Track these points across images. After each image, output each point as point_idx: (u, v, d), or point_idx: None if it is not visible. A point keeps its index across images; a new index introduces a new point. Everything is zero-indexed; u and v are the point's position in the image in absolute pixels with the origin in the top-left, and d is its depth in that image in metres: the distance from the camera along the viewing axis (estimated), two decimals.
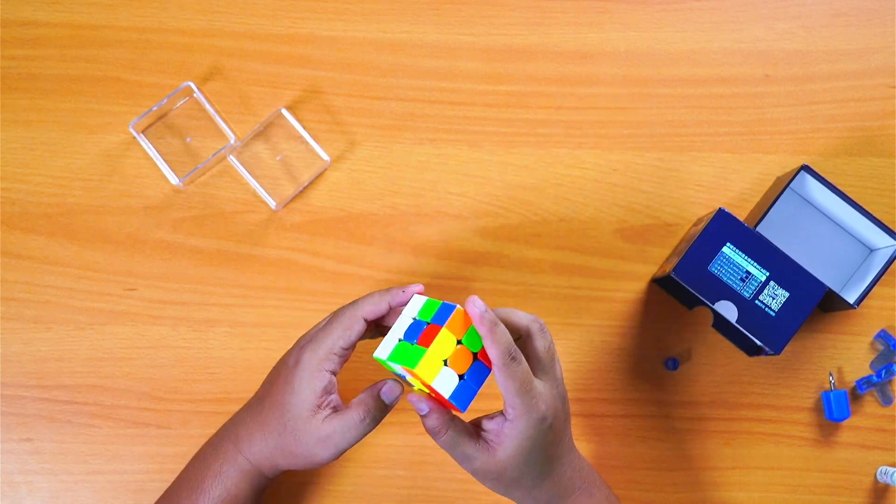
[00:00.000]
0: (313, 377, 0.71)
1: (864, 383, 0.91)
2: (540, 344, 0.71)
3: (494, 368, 0.67)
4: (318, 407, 0.72)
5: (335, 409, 0.72)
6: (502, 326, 0.67)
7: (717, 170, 0.95)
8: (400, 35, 0.96)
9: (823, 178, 0.88)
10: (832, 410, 0.90)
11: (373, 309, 0.73)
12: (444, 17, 0.97)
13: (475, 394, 0.69)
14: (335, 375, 0.73)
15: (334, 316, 0.74)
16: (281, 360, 0.77)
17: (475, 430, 0.72)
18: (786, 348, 0.90)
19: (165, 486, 0.81)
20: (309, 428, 0.71)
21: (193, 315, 0.91)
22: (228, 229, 0.92)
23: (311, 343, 0.73)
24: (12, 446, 0.89)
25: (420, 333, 0.69)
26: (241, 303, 0.91)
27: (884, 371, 0.91)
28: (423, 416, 0.71)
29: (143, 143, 0.93)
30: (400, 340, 0.70)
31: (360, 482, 0.90)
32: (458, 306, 0.69)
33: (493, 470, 0.71)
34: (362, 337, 0.74)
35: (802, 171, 0.88)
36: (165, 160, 0.93)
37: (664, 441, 0.91)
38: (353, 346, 0.73)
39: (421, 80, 0.96)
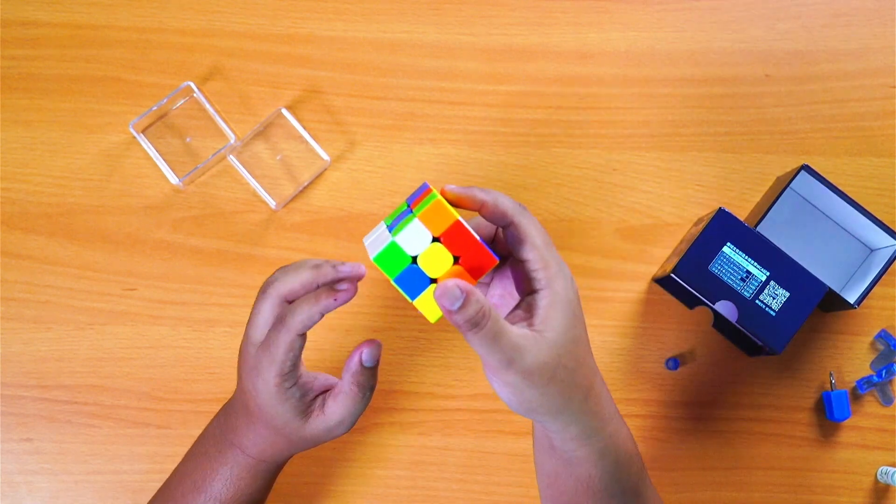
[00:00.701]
0: (283, 403, 0.68)
1: (865, 383, 0.91)
2: (531, 228, 0.63)
3: (514, 228, 0.62)
4: (306, 412, 0.69)
5: (325, 398, 0.69)
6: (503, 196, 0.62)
7: (717, 170, 0.95)
8: (400, 35, 0.96)
9: (823, 178, 0.88)
10: (832, 410, 0.90)
11: (305, 324, 0.65)
12: (444, 17, 0.97)
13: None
14: (298, 380, 0.68)
15: (270, 339, 0.66)
16: (239, 376, 0.72)
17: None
18: (786, 348, 0.90)
19: None
20: (312, 429, 0.70)
21: (193, 315, 0.91)
22: (228, 229, 0.92)
23: (256, 373, 0.68)
24: (12, 446, 0.89)
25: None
26: (241, 303, 0.91)
27: (884, 371, 0.91)
28: (455, 311, 0.57)
29: (143, 143, 0.93)
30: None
31: (361, 482, 0.90)
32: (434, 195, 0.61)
33: (548, 361, 0.60)
34: (303, 344, 0.68)
35: (802, 171, 0.88)
36: (165, 160, 0.93)
37: (664, 441, 0.91)
38: (299, 359, 0.67)
39: (421, 80, 0.96)
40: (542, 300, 0.61)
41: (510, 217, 0.62)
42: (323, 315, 0.65)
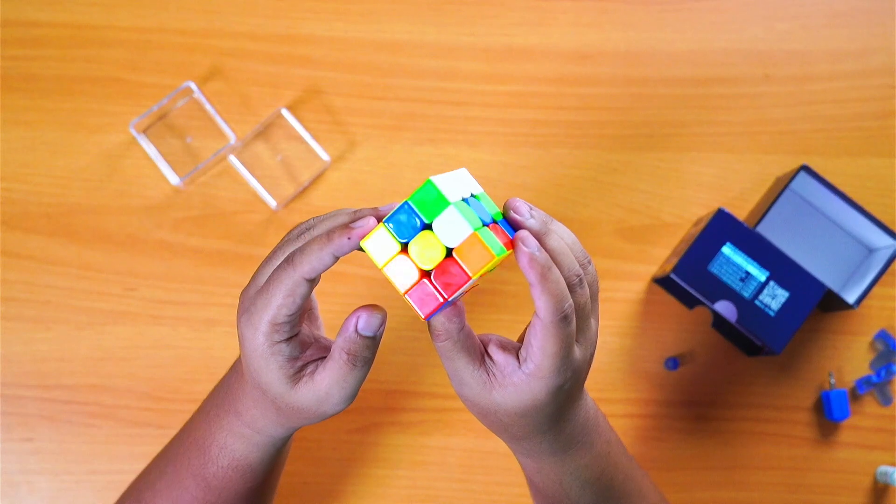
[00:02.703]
0: (269, 358, 0.59)
1: (864, 383, 0.91)
2: (577, 300, 0.57)
3: (537, 322, 0.55)
4: (295, 377, 0.60)
5: (318, 364, 0.60)
6: (556, 272, 0.54)
7: (717, 170, 0.95)
8: (400, 35, 0.96)
9: (823, 179, 0.88)
10: (832, 410, 0.90)
11: (314, 267, 0.56)
12: (444, 17, 0.97)
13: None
14: (294, 336, 0.59)
15: (272, 278, 0.58)
16: (238, 326, 0.63)
17: (482, 349, 0.59)
18: (785, 348, 0.91)
19: None
20: (299, 397, 0.60)
21: (193, 315, 0.91)
22: (229, 229, 0.92)
23: (247, 317, 0.59)
24: (13, 446, 0.89)
25: (486, 222, 0.55)
26: None
27: (883, 371, 0.91)
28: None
29: (144, 143, 0.93)
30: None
31: (361, 482, 0.90)
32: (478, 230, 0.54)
33: (483, 407, 0.59)
34: (310, 294, 0.59)
35: (802, 171, 0.89)
36: (166, 160, 0.93)
37: (664, 441, 0.91)
38: (300, 310, 0.58)
39: (421, 80, 0.96)
40: (516, 377, 0.57)
41: (528, 276, 0.55)
42: (335, 258, 0.55)
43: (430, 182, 0.53)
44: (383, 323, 0.58)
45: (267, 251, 0.91)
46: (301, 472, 0.89)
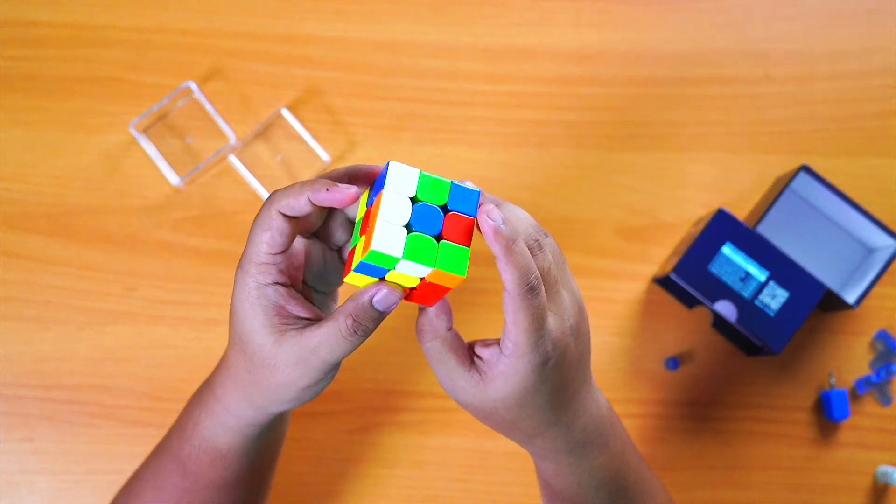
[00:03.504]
0: (255, 302, 0.58)
1: (864, 383, 0.91)
2: (541, 264, 0.57)
3: (507, 296, 0.55)
4: (281, 328, 0.58)
5: (309, 321, 0.59)
6: (521, 245, 0.54)
7: (717, 170, 0.95)
8: (400, 35, 0.97)
9: (823, 179, 0.88)
10: (832, 410, 0.90)
11: (289, 202, 0.57)
12: (444, 17, 0.97)
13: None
14: (283, 287, 0.58)
15: (254, 221, 0.59)
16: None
17: (470, 352, 0.60)
18: (785, 348, 0.91)
19: None
20: (281, 351, 0.58)
21: (194, 315, 0.91)
22: (229, 229, 0.93)
23: (240, 261, 0.59)
24: (13, 446, 0.89)
25: (440, 222, 0.54)
26: None
27: (883, 371, 0.91)
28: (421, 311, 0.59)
29: (144, 143, 0.93)
30: (411, 231, 0.54)
31: (361, 482, 0.90)
32: (479, 190, 0.56)
33: (483, 408, 0.59)
34: (292, 237, 0.58)
35: (802, 171, 0.89)
36: (166, 160, 0.93)
37: (664, 441, 0.91)
38: (283, 248, 0.58)
39: (421, 80, 0.96)
40: (501, 364, 0.57)
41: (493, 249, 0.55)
42: (311, 204, 0.56)
43: (371, 253, 0.53)
44: (397, 303, 0.57)
45: None
46: (301, 472, 0.89)
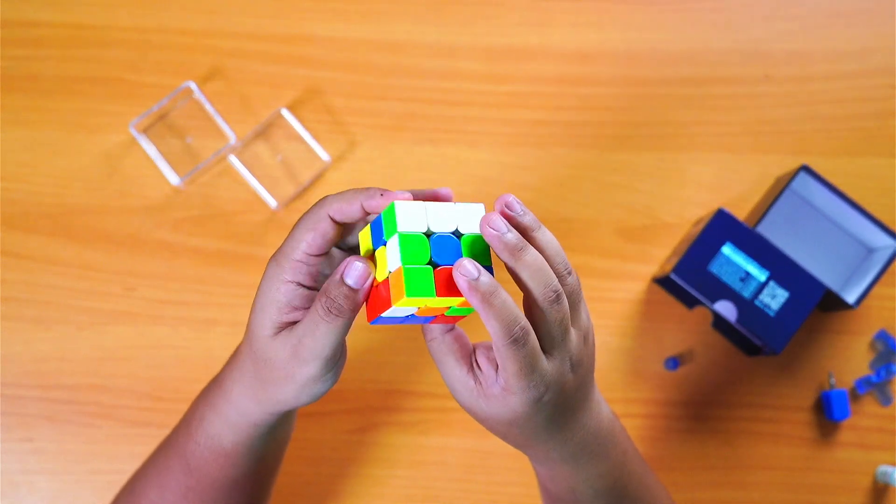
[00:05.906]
0: (276, 290, 0.58)
1: (864, 383, 0.91)
2: (552, 316, 0.56)
3: (493, 345, 0.55)
4: (282, 325, 0.59)
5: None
6: (503, 296, 0.54)
7: (717, 170, 0.95)
8: (400, 35, 0.97)
9: (823, 179, 0.88)
10: (832, 410, 0.90)
11: (342, 207, 0.57)
12: (444, 17, 0.97)
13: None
14: (306, 289, 0.58)
15: (300, 218, 0.59)
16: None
17: (472, 355, 0.59)
18: (785, 348, 0.91)
19: None
20: (276, 345, 0.58)
21: (194, 315, 0.91)
22: (229, 229, 0.93)
23: (275, 254, 0.59)
24: (13, 446, 0.89)
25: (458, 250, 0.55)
26: (241, 303, 0.91)
27: (883, 371, 0.91)
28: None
29: (144, 143, 0.93)
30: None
31: (360, 482, 0.90)
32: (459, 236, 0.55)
33: (476, 413, 0.59)
34: (332, 242, 0.58)
35: (802, 171, 0.89)
36: (166, 160, 0.93)
37: (664, 441, 0.91)
38: (322, 252, 0.58)
39: (421, 80, 0.96)
40: (496, 390, 0.57)
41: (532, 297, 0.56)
42: (363, 211, 0.56)
43: (392, 206, 0.54)
44: (368, 277, 0.56)
45: (267, 251, 0.92)
46: (301, 472, 0.89)
